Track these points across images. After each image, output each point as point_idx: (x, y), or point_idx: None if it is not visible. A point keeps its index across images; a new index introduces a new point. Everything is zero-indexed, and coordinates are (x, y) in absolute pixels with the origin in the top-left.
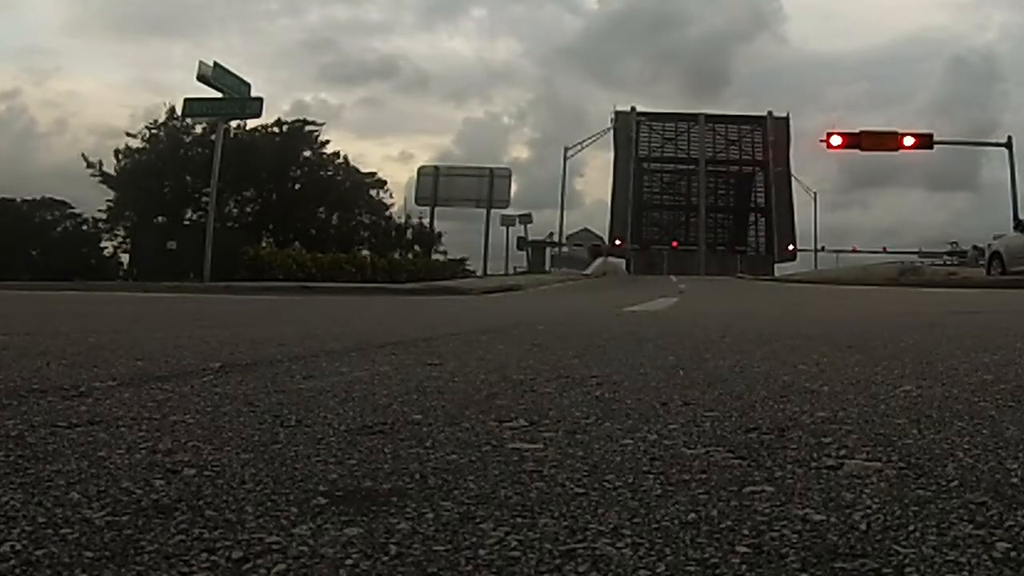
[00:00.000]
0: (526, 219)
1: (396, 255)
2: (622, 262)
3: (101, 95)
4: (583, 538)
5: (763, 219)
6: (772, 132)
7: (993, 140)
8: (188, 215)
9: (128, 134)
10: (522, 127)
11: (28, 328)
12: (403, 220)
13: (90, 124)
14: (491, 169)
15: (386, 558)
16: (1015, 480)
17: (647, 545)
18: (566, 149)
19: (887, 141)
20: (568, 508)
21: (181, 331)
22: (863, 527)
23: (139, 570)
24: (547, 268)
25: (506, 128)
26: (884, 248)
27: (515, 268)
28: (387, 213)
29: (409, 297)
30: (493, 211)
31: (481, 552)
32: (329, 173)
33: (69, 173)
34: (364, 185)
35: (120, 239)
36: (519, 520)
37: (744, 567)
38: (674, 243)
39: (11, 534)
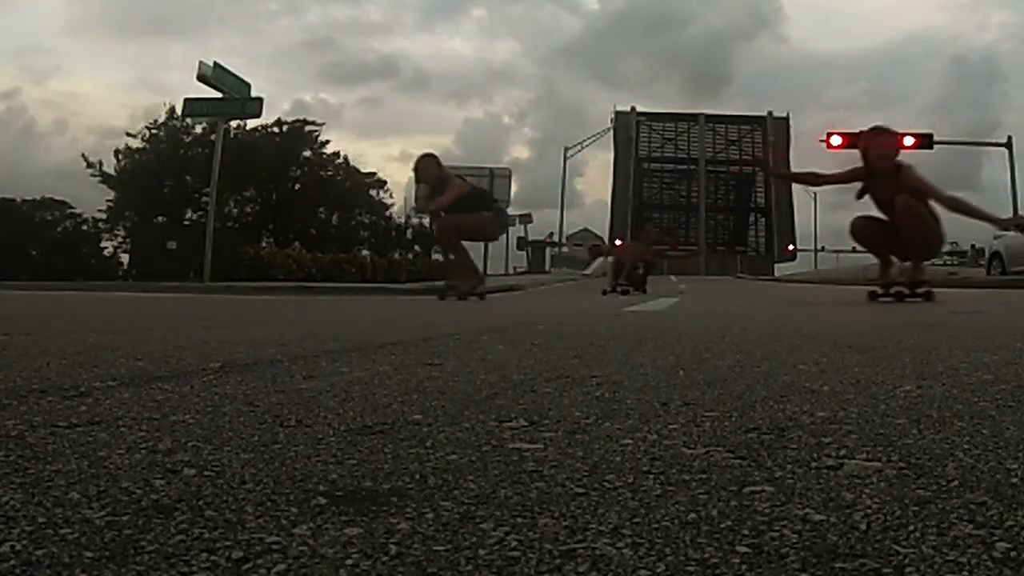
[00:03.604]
0: (526, 219)
1: (396, 255)
2: None
3: (101, 95)
4: (583, 538)
5: (763, 219)
6: (772, 132)
7: (993, 140)
8: (188, 215)
9: (128, 134)
10: (522, 127)
11: (28, 328)
12: (403, 220)
13: (90, 124)
14: (491, 169)
15: (386, 558)
16: (1015, 480)
17: (647, 545)
18: (566, 149)
19: None
20: (568, 508)
21: (181, 331)
22: (863, 527)
23: (139, 570)
24: (547, 268)
25: (506, 128)
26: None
27: (515, 268)
28: (387, 213)
29: (409, 297)
30: None
31: (481, 552)
32: (329, 173)
33: (69, 173)
34: (364, 185)
35: (120, 239)
36: (519, 520)
37: (744, 567)
38: (674, 243)
39: (11, 534)
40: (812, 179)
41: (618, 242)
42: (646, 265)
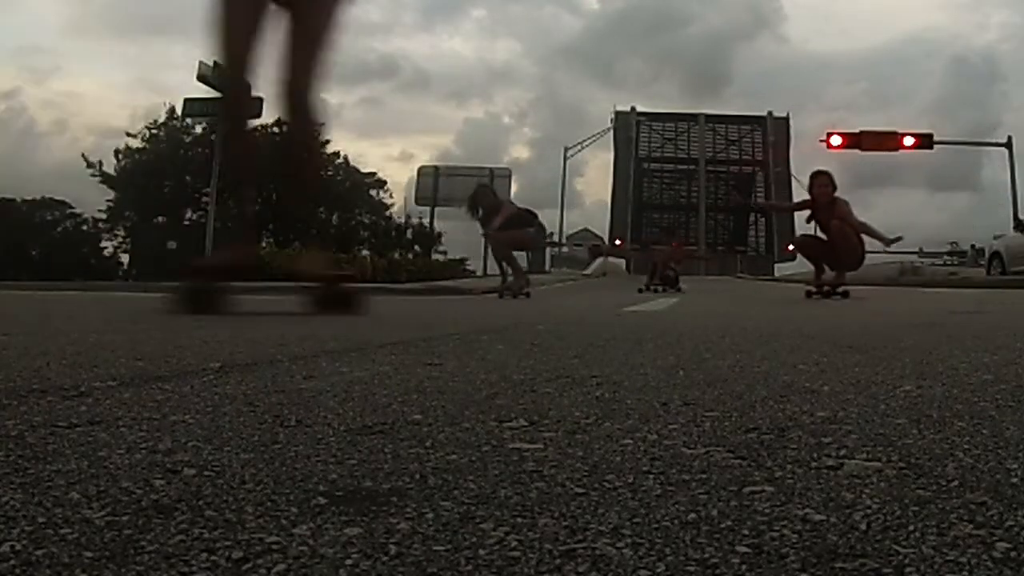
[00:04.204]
0: None
1: (396, 255)
2: (622, 262)
3: (101, 95)
4: (583, 538)
5: (763, 219)
6: (772, 132)
7: (993, 140)
8: (188, 215)
9: (128, 134)
10: (522, 127)
11: (28, 328)
12: (403, 220)
13: (90, 124)
14: (491, 169)
15: (386, 558)
16: (1015, 480)
17: (647, 545)
18: (566, 149)
19: (887, 141)
20: (568, 508)
21: (181, 331)
22: (863, 527)
23: (139, 570)
24: (547, 268)
25: (506, 128)
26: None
27: None
28: (387, 213)
29: (409, 297)
30: None
31: (481, 552)
32: (329, 173)
33: (69, 173)
34: (364, 185)
35: (120, 239)
36: (519, 520)
37: (744, 567)
38: (674, 243)
39: (11, 534)
40: (775, 208)
41: (618, 242)
42: (657, 265)
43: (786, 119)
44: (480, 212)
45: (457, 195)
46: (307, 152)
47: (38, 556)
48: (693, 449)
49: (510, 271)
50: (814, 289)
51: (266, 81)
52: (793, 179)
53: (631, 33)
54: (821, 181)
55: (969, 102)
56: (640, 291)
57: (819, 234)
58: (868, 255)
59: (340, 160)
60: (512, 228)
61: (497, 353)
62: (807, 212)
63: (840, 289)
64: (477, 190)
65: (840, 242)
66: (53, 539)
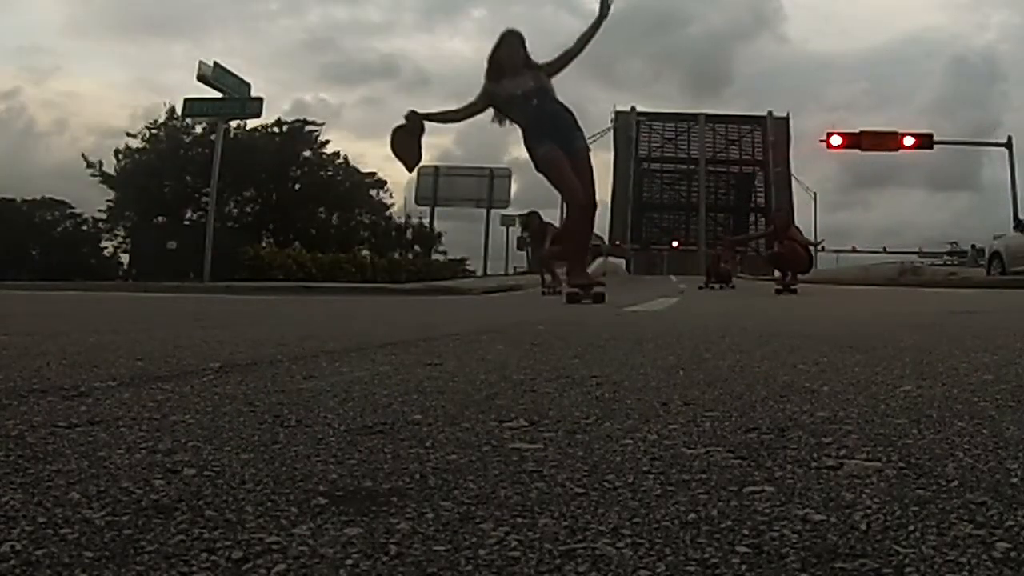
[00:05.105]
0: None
1: (396, 255)
2: (622, 262)
3: (101, 95)
4: (583, 538)
5: (763, 219)
6: (772, 132)
7: (993, 140)
8: (188, 215)
9: (128, 134)
10: None
11: (28, 328)
12: (403, 220)
13: (90, 124)
14: (491, 169)
15: (386, 558)
16: (1015, 480)
17: (647, 545)
18: None
19: (887, 141)
20: (568, 508)
21: (181, 331)
22: (863, 527)
23: (139, 570)
24: None
25: (506, 128)
26: (884, 248)
27: (515, 268)
28: (387, 213)
29: (409, 297)
30: (493, 211)
31: (481, 552)
32: (329, 173)
33: (69, 173)
34: (364, 185)
35: (120, 239)
36: (519, 520)
37: (744, 567)
38: (674, 243)
39: (11, 534)
40: (750, 238)
41: (618, 242)
42: (713, 264)
43: (786, 119)
44: (528, 234)
45: (457, 195)
46: (587, 235)
47: (38, 556)
48: (693, 449)
49: (549, 277)
50: (780, 287)
51: (267, 81)
52: (793, 179)
53: (631, 33)
54: (778, 215)
55: (969, 102)
56: (700, 288)
57: (780, 250)
58: (868, 257)
59: (340, 160)
60: (556, 245)
61: (497, 353)
62: (772, 236)
63: (793, 286)
64: (529, 216)
65: (791, 255)
66: (53, 539)
